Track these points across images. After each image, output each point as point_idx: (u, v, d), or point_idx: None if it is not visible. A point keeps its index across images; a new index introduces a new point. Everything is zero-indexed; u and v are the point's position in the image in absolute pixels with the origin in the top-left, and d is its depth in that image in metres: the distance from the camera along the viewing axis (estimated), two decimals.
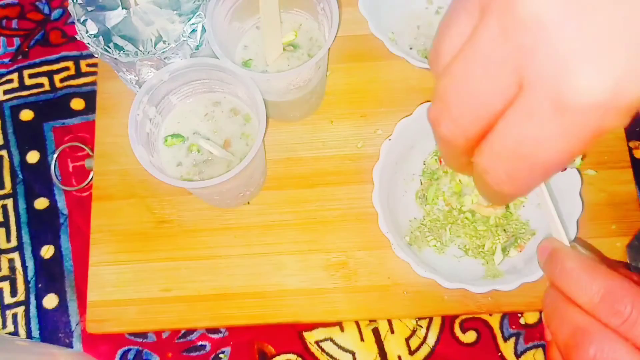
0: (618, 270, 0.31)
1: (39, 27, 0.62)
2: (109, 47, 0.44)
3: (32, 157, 0.58)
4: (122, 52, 0.44)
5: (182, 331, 0.52)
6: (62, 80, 0.60)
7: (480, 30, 0.24)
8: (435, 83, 0.27)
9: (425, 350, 0.50)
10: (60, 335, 0.53)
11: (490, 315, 0.51)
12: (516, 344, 0.50)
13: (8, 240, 0.55)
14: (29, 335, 0.53)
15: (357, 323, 0.51)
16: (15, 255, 0.55)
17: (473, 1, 0.24)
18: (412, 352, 0.50)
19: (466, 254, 0.49)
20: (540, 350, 0.50)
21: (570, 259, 0.31)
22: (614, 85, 0.22)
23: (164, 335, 0.52)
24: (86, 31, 0.44)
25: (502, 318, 0.51)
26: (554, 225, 0.35)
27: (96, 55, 0.45)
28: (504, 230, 0.49)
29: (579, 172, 0.47)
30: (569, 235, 0.34)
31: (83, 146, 0.57)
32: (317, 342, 0.51)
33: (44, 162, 0.57)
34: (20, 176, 0.57)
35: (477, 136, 0.26)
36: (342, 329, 0.51)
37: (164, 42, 0.44)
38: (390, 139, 0.48)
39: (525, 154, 0.24)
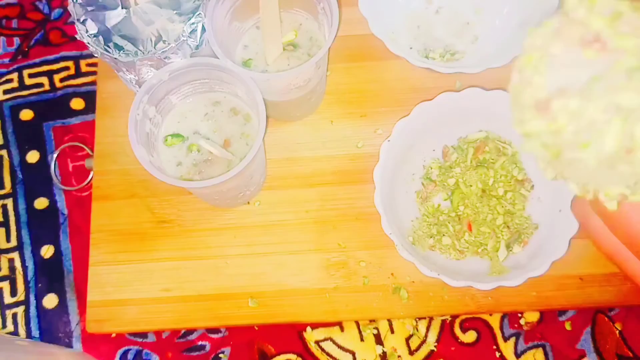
0: None
1: (39, 27, 0.62)
2: (109, 47, 0.44)
3: (32, 157, 0.58)
4: (122, 51, 0.44)
5: (182, 331, 0.52)
6: (62, 80, 0.60)
7: None
8: None
9: (425, 350, 0.50)
10: (60, 335, 0.53)
11: (491, 315, 0.51)
12: (516, 344, 0.50)
13: (8, 240, 0.55)
14: (29, 335, 0.53)
15: (357, 323, 0.51)
16: (15, 255, 0.55)
17: None
18: (412, 352, 0.50)
19: (470, 251, 0.49)
20: (540, 350, 0.50)
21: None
22: None
23: (164, 335, 0.52)
24: (86, 31, 0.44)
25: (502, 318, 0.51)
26: None
27: (96, 55, 0.45)
28: (507, 227, 0.49)
29: None
30: None
31: (83, 146, 0.57)
32: (317, 342, 0.51)
33: (44, 162, 0.57)
34: (20, 176, 0.57)
35: None
36: (342, 329, 0.51)
37: (164, 41, 0.44)
38: (389, 140, 0.48)
39: None
